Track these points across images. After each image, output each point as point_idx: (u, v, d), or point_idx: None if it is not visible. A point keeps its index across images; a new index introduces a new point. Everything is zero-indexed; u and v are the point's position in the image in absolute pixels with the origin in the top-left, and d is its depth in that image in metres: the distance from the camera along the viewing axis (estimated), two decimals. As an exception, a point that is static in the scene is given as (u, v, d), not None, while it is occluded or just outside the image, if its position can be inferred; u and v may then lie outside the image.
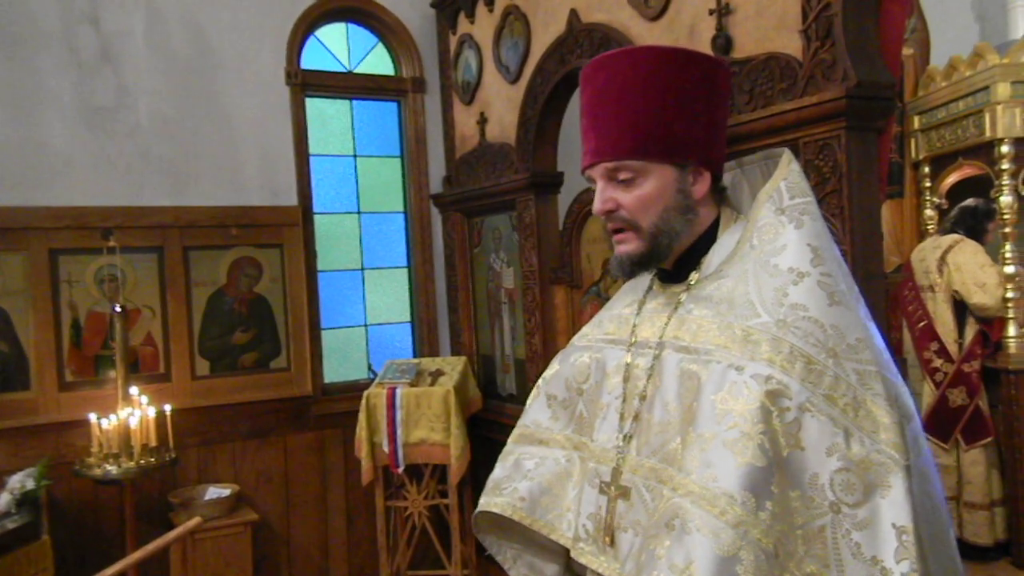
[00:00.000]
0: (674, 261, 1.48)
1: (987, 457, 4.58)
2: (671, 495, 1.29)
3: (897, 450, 1.23)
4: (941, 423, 4.57)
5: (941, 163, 5.34)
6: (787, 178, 1.43)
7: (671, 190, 1.41)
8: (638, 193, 1.40)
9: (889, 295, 4.94)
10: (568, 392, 1.62)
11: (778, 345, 1.27)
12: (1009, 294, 4.61)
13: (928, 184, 5.47)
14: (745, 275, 1.37)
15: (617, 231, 1.45)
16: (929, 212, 5.48)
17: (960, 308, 4.76)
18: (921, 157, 5.40)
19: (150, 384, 4.03)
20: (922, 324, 4.79)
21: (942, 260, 4.83)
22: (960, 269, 4.73)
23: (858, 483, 1.22)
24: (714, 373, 1.30)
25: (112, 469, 3.54)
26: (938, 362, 4.71)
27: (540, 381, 1.71)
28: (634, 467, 1.40)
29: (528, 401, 1.73)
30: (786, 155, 1.47)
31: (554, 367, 1.69)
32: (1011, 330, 4.61)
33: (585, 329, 1.70)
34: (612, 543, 1.41)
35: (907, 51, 5.30)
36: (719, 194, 1.51)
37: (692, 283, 1.46)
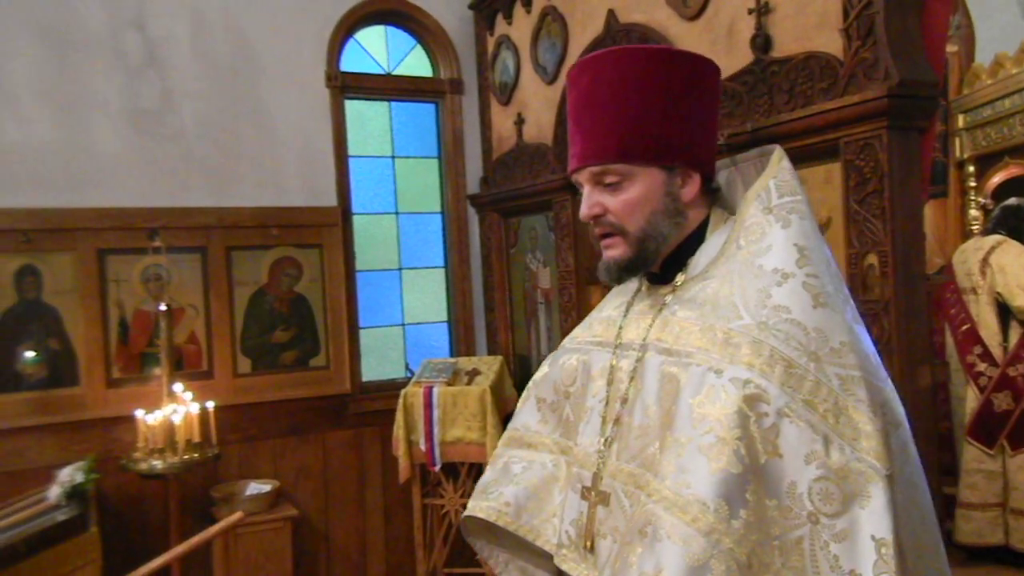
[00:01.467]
0: (662, 262, 1.45)
1: (1034, 463, 4.49)
2: (646, 501, 1.26)
3: (879, 459, 1.19)
4: (986, 428, 4.49)
5: (986, 162, 5.24)
6: (776, 176, 1.40)
7: (659, 193, 1.38)
8: (624, 197, 1.37)
9: (932, 297, 4.87)
10: (556, 395, 1.59)
11: (758, 348, 1.24)
12: (1056, 296, 4.52)
13: (973, 184, 5.37)
14: (730, 276, 1.34)
15: (604, 236, 1.42)
16: (973, 212, 5.38)
17: (1004, 311, 4.67)
18: (966, 156, 5.31)
19: (193, 381, 4.10)
20: (965, 327, 4.71)
21: (984, 262, 4.74)
22: (1003, 271, 4.64)
23: (837, 492, 1.18)
24: (693, 376, 1.27)
25: (157, 464, 3.62)
26: (982, 366, 4.62)
27: (530, 383, 1.69)
28: (614, 472, 1.37)
29: (518, 403, 1.71)
30: (777, 152, 1.44)
31: (544, 369, 1.67)
32: (1058, 333, 4.52)
33: (575, 331, 1.68)
34: (592, 550, 1.39)
35: (951, 48, 5.21)
36: (711, 195, 1.48)
37: (678, 284, 1.43)
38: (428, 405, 4.19)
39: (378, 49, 4.94)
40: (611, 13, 3.70)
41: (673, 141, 1.37)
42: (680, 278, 1.43)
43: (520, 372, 4.72)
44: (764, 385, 1.21)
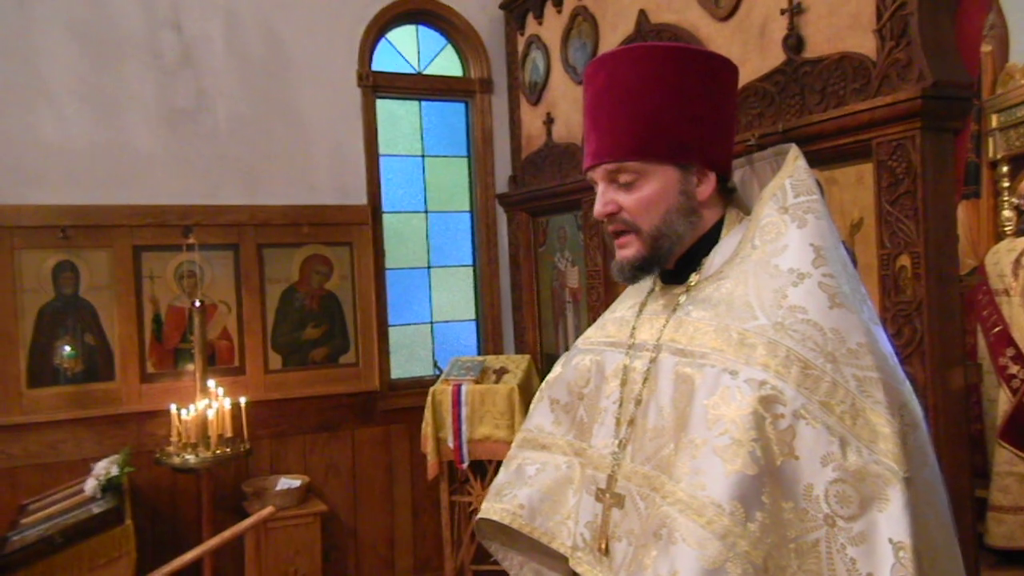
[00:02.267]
0: (676, 262, 1.43)
1: (1066, 466, 4.44)
2: (661, 503, 1.25)
3: (896, 461, 1.17)
4: (1019, 430, 4.44)
5: (1020, 163, 5.17)
6: (792, 175, 1.38)
7: (673, 192, 1.37)
8: (639, 195, 1.36)
9: (965, 299, 4.83)
10: (570, 396, 1.58)
11: (774, 349, 1.22)
12: (1091, 298, 4.46)
13: (1006, 184, 5.30)
14: (745, 276, 1.33)
15: (618, 234, 1.40)
16: (1007, 213, 5.31)
17: (1039, 313, 4.62)
18: (999, 156, 5.24)
19: (226, 377, 4.17)
20: (997, 329, 4.67)
21: (1017, 263, 4.70)
22: (1037, 272, 4.60)
23: (854, 495, 1.16)
24: (707, 377, 1.26)
25: (190, 458, 3.68)
26: (1014, 368, 4.58)
27: (543, 384, 1.69)
28: (628, 474, 1.36)
29: (532, 404, 1.70)
30: (793, 151, 1.43)
31: (557, 370, 1.65)
32: (1093, 336, 4.47)
33: (588, 331, 1.66)
34: (607, 552, 1.37)
35: (985, 48, 5.15)
36: (727, 194, 1.47)
37: (692, 284, 1.41)
38: (456, 403, 4.22)
39: (409, 49, 4.97)
40: (642, 13, 3.70)
41: (689, 139, 1.36)
42: (694, 278, 1.42)
43: (547, 371, 4.72)
44: (780, 386, 1.20)
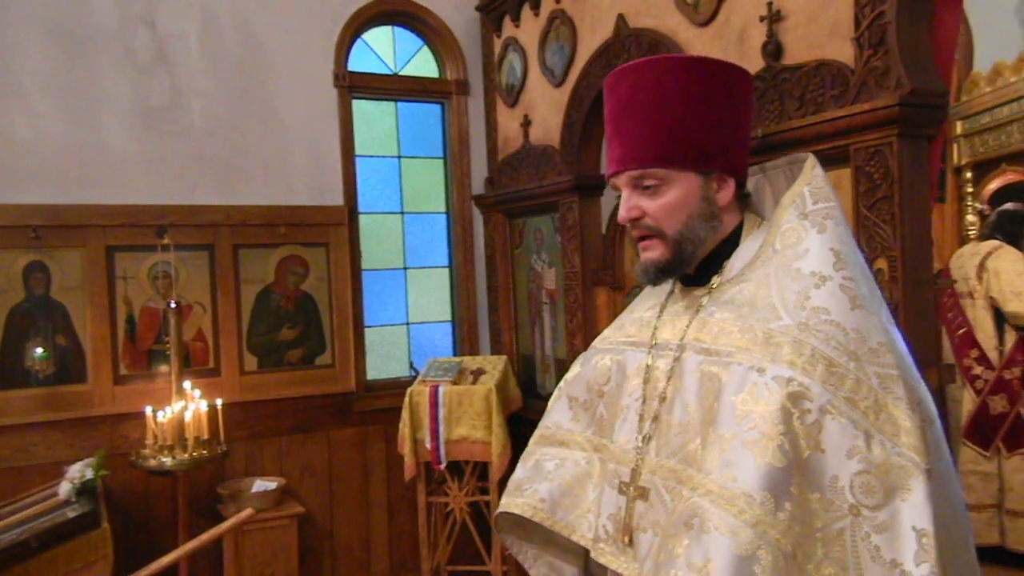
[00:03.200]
0: (697, 265, 1.49)
1: (1029, 465, 4.56)
2: (690, 495, 1.30)
3: (918, 453, 1.24)
4: (982, 430, 4.57)
5: (984, 169, 5.32)
6: (810, 183, 1.44)
7: (696, 197, 1.42)
8: (663, 201, 1.41)
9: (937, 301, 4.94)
10: (589, 394, 1.63)
11: (800, 348, 1.28)
12: (1052, 301, 4.60)
13: (970, 190, 5.44)
14: (767, 279, 1.39)
15: (642, 238, 1.46)
16: (971, 218, 5.46)
17: (1000, 315, 4.75)
18: (963, 162, 5.38)
19: (200, 378, 4.13)
20: (962, 331, 4.78)
21: (981, 266, 4.82)
22: (998, 276, 4.72)
23: (878, 486, 1.22)
24: (735, 375, 1.31)
25: (167, 460, 3.64)
26: (978, 369, 4.70)
27: (561, 383, 1.73)
28: (653, 468, 1.41)
29: (550, 403, 1.75)
30: (810, 160, 1.48)
31: (575, 369, 1.70)
32: (1054, 337, 4.60)
33: (606, 332, 1.71)
34: (631, 543, 1.42)
35: (950, 56, 5.27)
36: (743, 200, 1.53)
37: (714, 287, 1.47)
38: (434, 404, 4.22)
39: (385, 49, 4.97)
40: (620, 17, 3.73)
41: (710, 147, 1.42)
42: (716, 280, 1.47)
43: (524, 372, 4.76)
44: (807, 383, 1.26)
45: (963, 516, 1.34)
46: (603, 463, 1.56)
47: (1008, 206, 4.99)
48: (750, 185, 1.57)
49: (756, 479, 1.22)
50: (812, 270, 1.35)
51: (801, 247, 1.38)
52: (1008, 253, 4.75)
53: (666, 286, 1.58)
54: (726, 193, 1.45)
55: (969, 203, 5.47)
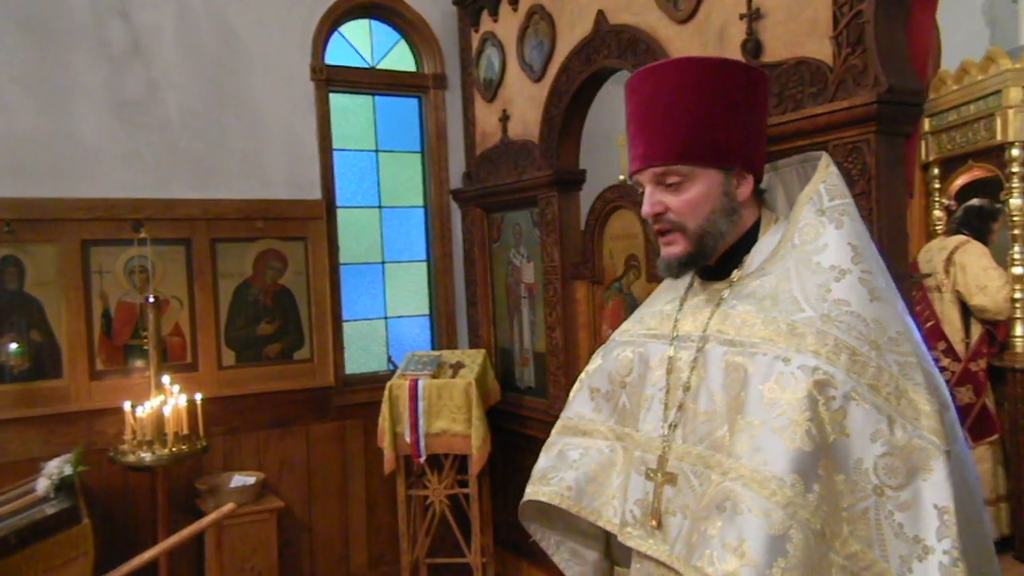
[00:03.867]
0: (717, 260, 1.54)
1: (993, 454, 4.68)
2: (720, 479, 1.36)
3: (938, 436, 1.30)
4: (949, 420, 4.67)
5: (951, 165, 5.42)
6: (826, 180, 1.50)
7: (717, 193, 1.48)
8: (686, 197, 1.47)
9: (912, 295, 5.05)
10: (611, 385, 1.69)
11: (823, 338, 1.34)
12: (1017, 295, 4.72)
13: (937, 186, 5.55)
14: (788, 273, 1.44)
15: (664, 233, 1.51)
16: (937, 213, 5.57)
17: (966, 308, 4.87)
18: (931, 159, 5.48)
19: (178, 373, 4.09)
20: (929, 324, 4.89)
21: (948, 260, 4.93)
22: (964, 270, 4.84)
23: (901, 467, 1.29)
24: (761, 364, 1.37)
25: (146, 456, 3.62)
26: (945, 361, 4.80)
27: (583, 375, 1.78)
28: (681, 454, 1.46)
29: (571, 395, 1.80)
30: (824, 158, 1.54)
31: (596, 362, 1.75)
32: (1018, 329, 4.72)
33: (625, 325, 1.77)
34: (660, 526, 1.47)
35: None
36: (759, 196, 1.58)
37: (734, 280, 1.52)
38: (413, 397, 4.23)
39: (362, 43, 4.95)
40: (600, 13, 3.76)
41: (730, 144, 1.47)
42: (736, 274, 1.53)
43: (502, 365, 4.79)
44: (831, 371, 1.32)
45: (976, 494, 1.41)
46: (626, 451, 1.62)
47: (974, 202, 5.11)
48: (763, 182, 1.62)
49: (786, 463, 1.28)
50: (832, 264, 1.41)
51: (820, 242, 1.44)
52: (975, 248, 4.87)
53: (684, 280, 1.63)
54: (745, 189, 1.51)
55: (936, 199, 5.59)
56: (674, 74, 1.48)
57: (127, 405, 3.69)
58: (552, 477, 1.69)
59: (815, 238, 1.45)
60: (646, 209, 1.51)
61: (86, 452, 3.73)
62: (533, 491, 1.71)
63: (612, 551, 1.78)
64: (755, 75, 1.53)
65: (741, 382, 1.39)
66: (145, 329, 3.87)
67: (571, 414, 1.76)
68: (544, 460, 1.75)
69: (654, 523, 1.48)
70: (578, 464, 1.67)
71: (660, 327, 1.63)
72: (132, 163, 4.18)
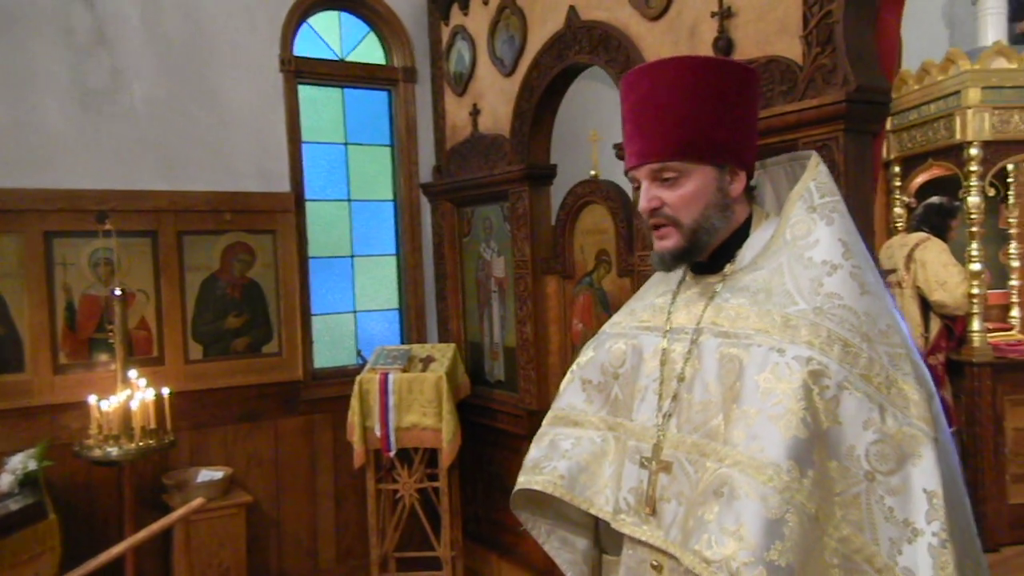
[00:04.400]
0: (709, 254, 1.58)
1: (951, 445, 4.80)
2: (716, 466, 1.40)
3: (927, 424, 1.36)
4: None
5: (911, 163, 5.54)
6: (816, 178, 1.55)
7: (711, 189, 1.52)
8: (681, 192, 1.51)
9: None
10: (603, 376, 1.71)
11: (816, 330, 1.39)
12: (974, 290, 4.84)
13: (898, 184, 5.67)
14: (780, 267, 1.49)
15: (658, 227, 1.55)
16: (898, 210, 5.70)
17: (926, 303, 4.98)
18: (892, 157, 5.60)
19: (144, 367, 4.04)
20: (891, 319, 4.99)
21: (909, 257, 5.05)
22: (925, 266, 4.95)
23: (892, 453, 1.34)
24: (756, 355, 1.41)
25: (112, 450, 3.57)
26: (905, 355, 4.91)
27: (574, 367, 1.81)
28: (675, 443, 1.50)
29: (561, 386, 1.83)
30: (814, 157, 1.59)
31: (588, 353, 1.78)
32: (975, 324, 4.84)
33: (616, 318, 1.80)
34: (654, 513, 1.51)
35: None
36: (750, 193, 1.62)
37: (727, 274, 1.56)
38: (384, 391, 4.23)
39: (331, 35, 4.92)
40: (572, 9, 3.78)
41: (725, 141, 1.51)
42: (729, 268, 1.57)
43: (472, 359, 4.80)
44: (825, 362, 1.37)
45: (959, 478, 1.46)
46: (618, 441, 1.65)
47: (934, 199, 5.23)
48: (753, 179, 1.66)
49: (783, 449, 1.32)
50: (823, 259, 1.46)
51: (811, 238, 1.49)
52: (935, 245, 4.98)
53: (676, 275, 1.68)
54: (738, 185, 1.55)
55: (897, 196, 5.71)
56: (671, 73, 1.51)
57: (92, 399, 3.63)
58: (545, 467, 1.72)
59: (807, 234, 1.49)
60: (643, 204, 1.55)
61: (50, 447, 3.67)
62: (526, 480, 1.74)
63: (600, 539, 1.81)
64: (748, 75, 1.58)
65: (736, 372, 1.43)
66: (111, 322, 3.82)
67: (562, 405, 1.79)
68: (536, 450, 1.78)
69: (648, 510, 1.51)
70: (570, 454, 1.70)
71: (653, 320, 1.66)
72: (97, 153, 4.11)
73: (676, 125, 1.49)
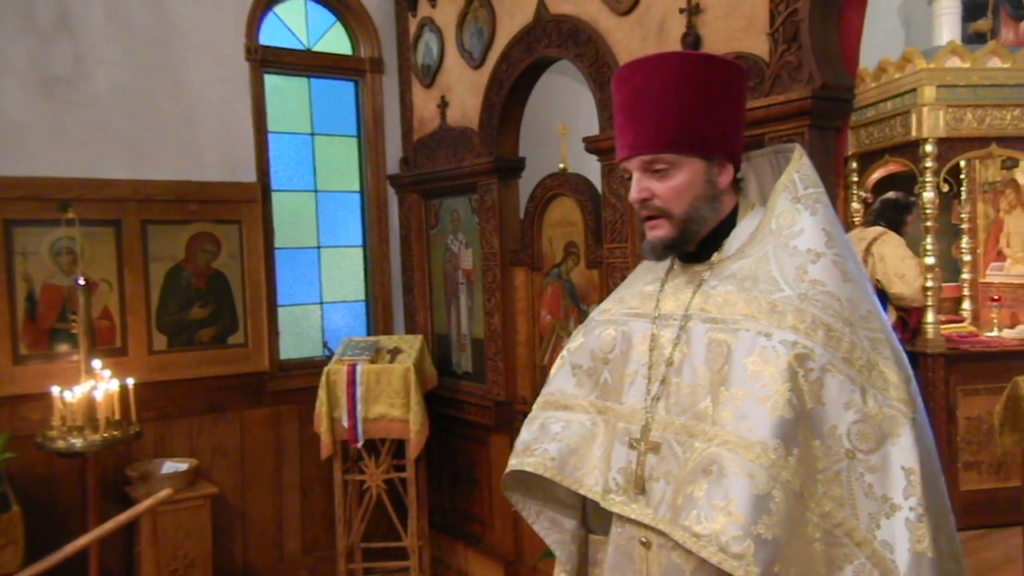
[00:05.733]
0: (697, 244, 1.64)
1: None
2: (704, 446, 1.46)
3: (905, 404, 1.43)
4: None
5: (868, 159, 5.68)
6: (800, 170, 1.62)
7: (700, 180, 1.57)
8: (671, 184, 1.56)
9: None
10: (593, 362, 1.76)
11: (801, 315, 1.46)
12: (928, 283, 4.98)
13: (855, 179, 5.81)
14: (766, 256, 1.55)
15: (649, 218, 1.60)
16: (856, 205, 5.83)
17: (883, 296, 5.11)
18: (850, 153, 5.72)
19: (107, 358, 3.96)
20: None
21: (867, 251, 5.17)
22: (883, 260, 5.08)
23: (872, 433, 1.41)
24: (744, 340, 1.48)
25: (76, 442, 3.52)
26: (862, 346, 5.03)
27: (564, 352, 1.86)
28: (664, 424, 1.55)
29: (552, 371, 1.88)
30: (798, 150, 1.66)
31: (578, 340, 1.83)
32: (930, 316, 4.98)
33: (605, 304, 1.85)
34: (643, 492, 1.56)
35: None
36: (737, 184, 1.67)
37: (714, 263, 1.62)
38: (351, 382, 4.23)
39: (298, 24, 4.89)
40: (541, 3, 3.81)
41: (714, 135, 1.56)
42: (716, 257, 1.62)
43: (439, 351, 4.81)
44: (810, 346, 1.43)
45: (934, 457, 1.53)
46: (607, 424, 1.70)
47: (890, 195, 5.37)
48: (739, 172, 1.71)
49: (770, 429, 1.38)
50: (808, 247, 1.52)
51: (796, 227, 1.54)
52: (892, 239, 5.12)
53: (663, 263, 1.72)
54: (726, 177, 1.60)
55: (854, 191, 5.84)
56: (663, 67, 1.56)
57: (56, 390, 3.58)
58: (536, 448, 1.76)
59: (791, 224, 1.55)
60: (634, 195, 1.60)
61: (11, 439, 3.62)
62: (518, 462, 1.77)
63: (588, 520, 1.86)
64: (736, 71, 1.63)
65: (724, 356, 1.49)
66: (74, 312, 3.76)
67: (552, 389, 1.83)
68: (527, 433, 1.82)
69: (637, 490, 1.56)
70: (560, 436, 1.75)
71: (642, 307, 1.71)
72: (59, 141, 4.04)
73: (667, 118, 1.54)
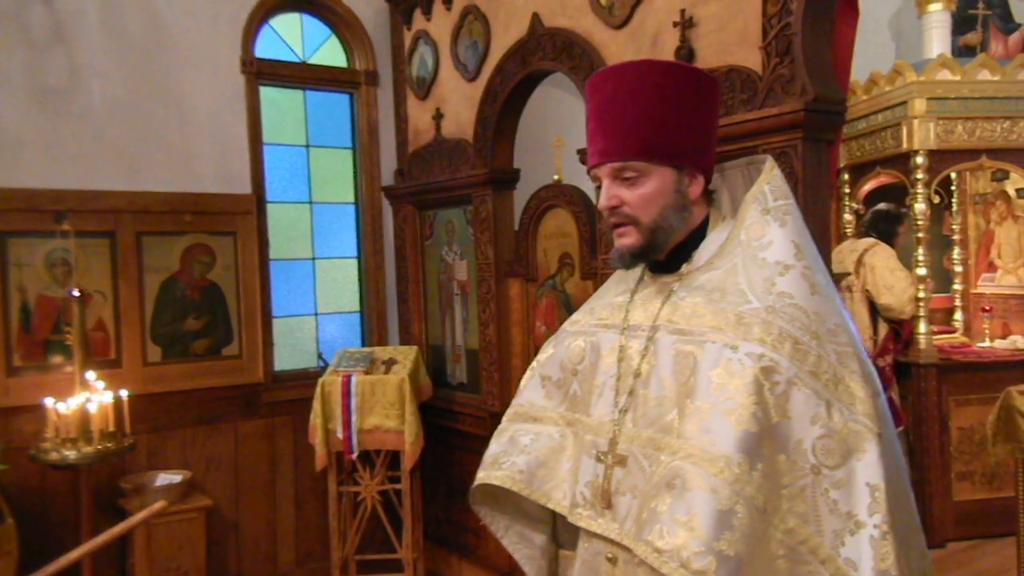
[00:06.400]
0: (667, 254, 1.62)
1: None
2: (669, 460, 1.43)
3: (871, 420, 1.41)
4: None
5: (860, 171, 5.72)
6: (771, 182, 1.61)
7: (670, 190, 1.56)
8: (641, 192, 1.55)
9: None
10: (563, 373, 1.74)
11: (768, 328, 1.43)
12: (920, 294, 5.01)
13: (847, 190, 5.85)
14: (735, 267, 1.54)
15: (618, 225, 1.59)
16: (848, 216, 5.87)
17: (874, 307, 5.15)
18: (842, 165, 5.76)
19: (101, 369, 3.96)
20: (841, 321, 5.13)
21: (859, 262, 5.21)
22: (873, 271, 5.12)
23: (837, 448, 1.38)
24: (710, 352, 1.45)
25: (70, 454, 3.50)
26: (854, 356, 5.05)
27: (534, 364, 1.84)
28: (631, 437, 1.53)
29: (522, 383, 1.85)
30: (769, 162, 1.65)
31: (548, 351, 1.81)
32: (921, 327, 5.01)
33: (576, 316, 1.83)
34: (609, 507, 1.54)
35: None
36: (708, 196, 1.67)
37: (683, 273, 1.61)
38: (346, 393, 4.23)
39: (293, 37, 4.91)
40: (536, 16, 3.83)
41: (685, 144, 1.56)
42: (685, 268, 1.61)
43: (434, 362, 4.82)
44: (776, 358, 1.40)
45: (904, 473, 1.52)
46: (576, 436, 1.67)
47: (881, 206, 5.41)
48: (711, 183, 1.70)
49: (734, 443, 1.36)
50: (776, 259, 1.51)
51: (765, 239, 1.54)
52: (883, 250, 5.15)
53: (635, 273, 1.71)
54: (696, 188, 1.59)
55: (846, 203, 5.88)
56: (634, 75, 1.56)
57: (49, 402, 3.57)
58: (504, 461, 1.74)
59: (761, 235, 1.54)
60: (603, 202, 1.59)
61: (4, 451, 3.60)
62: (485, 475, 1.76)
63: (558, 535, 1.83)
64: (708, 82, 1.63)
65: (691, 369, 1.47)
66: (68, 324, 3.76)
67: (522, 401, 1.82)
68: (495, 446, 1.80)
69: (604, 504, 1.54)
70: (529, 449, 1.72)
71: (611, 318, 1.69)
72: (54, 152, 4.05)
73: (638, 126, 1.53)
